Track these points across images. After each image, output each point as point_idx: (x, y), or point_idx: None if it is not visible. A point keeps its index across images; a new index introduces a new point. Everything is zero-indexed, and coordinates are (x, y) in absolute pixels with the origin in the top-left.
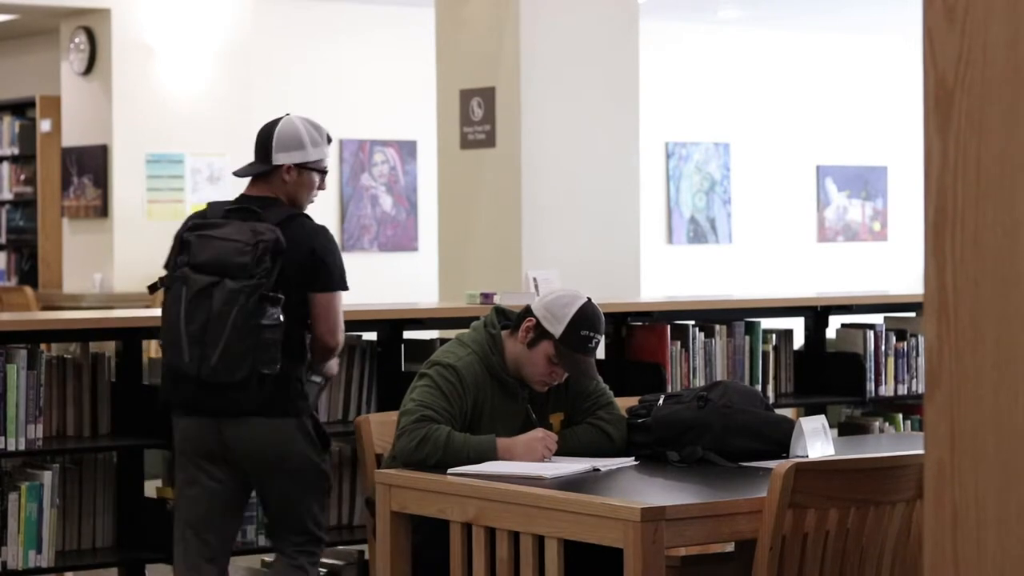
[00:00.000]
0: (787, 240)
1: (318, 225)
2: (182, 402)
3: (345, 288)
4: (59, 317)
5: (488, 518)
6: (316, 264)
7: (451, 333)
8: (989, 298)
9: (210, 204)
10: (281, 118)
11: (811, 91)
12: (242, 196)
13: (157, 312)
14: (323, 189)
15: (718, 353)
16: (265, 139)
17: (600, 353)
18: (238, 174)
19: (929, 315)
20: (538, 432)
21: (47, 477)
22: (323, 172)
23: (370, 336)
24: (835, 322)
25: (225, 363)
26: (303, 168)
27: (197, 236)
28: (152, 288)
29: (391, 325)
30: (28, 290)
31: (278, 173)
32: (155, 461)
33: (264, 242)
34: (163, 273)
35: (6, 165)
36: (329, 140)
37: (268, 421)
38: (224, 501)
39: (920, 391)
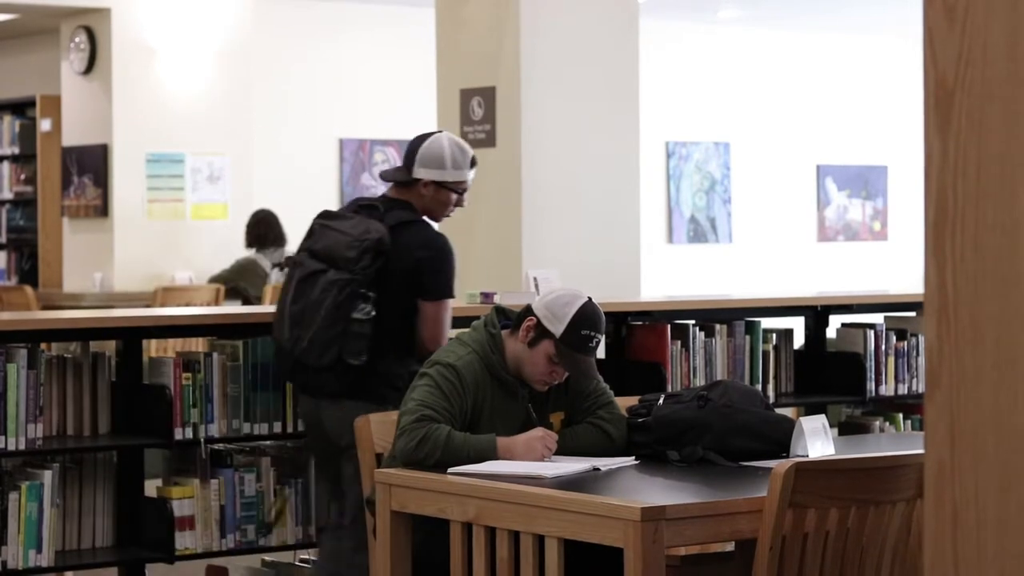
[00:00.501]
0: (787, 240)
1: (433, 234)
2: (285, 375)
3: (448, 296)
4: (59, 317)
5: (488, 518)
6: (420, 271)
7: (451, 333)
8: (989, 298)
9: (354, 199)
10: (434, 133)
11: (811, 91)
12: (382, 195)
13: (157, 312)
14: (461, 206)
15: (718, 353)
16: (411, 151)
17: (600, 353)
18: (383, 176)
19: (929, 315)
20: (537, 431)
21: (47, 477)
22: (460, 192)
23: None
24: (835, 322)
25: (314, 347)
26: (441, 186)
27: (320, 225)
28: (280, 267)
29: None
30: (28, 289)
31: (417, 186)
32: (155, 461)
33: (369, 240)
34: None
35: (6, 165)
36: (474, 163)
37: (357, 404)
38: (333, 475)
39: (920, 391)
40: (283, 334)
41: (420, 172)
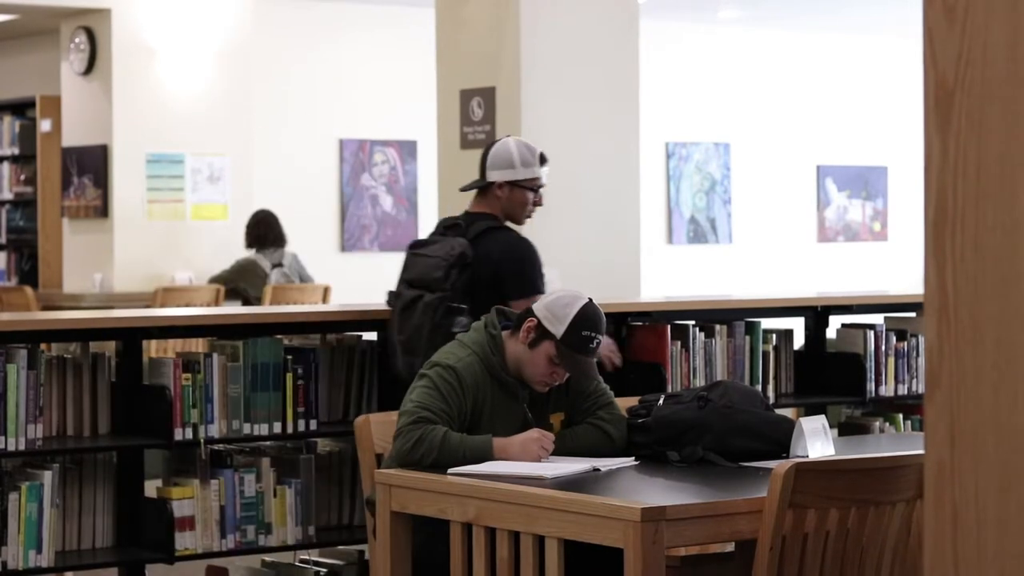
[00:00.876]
0: (787, 240)
1: (512, 237)
2: None
3: (535, 292)
4: (59, 317)
5: (488, 518)
6: (502, 274)
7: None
8: (989, 298)
9: (440, 221)
10: (501, 139)
11: (811, 91)
12: (465, 212)
13: (157, 312)
14: (539, 205)
15: (718, 353)
16: (483, 158)
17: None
18: (463, 189)
19: (929, 315)
20: (533, 432)
21: (47, 477)
22: (534, 190)
23: (370, 336)
24: (835, 322)
25: None
26: (515, 185)
27: (411, 254)
28: (388, 303)
29: None
30: (28, 290)
31: (492, 190)
32: (155, 461)
33: (452, 256)
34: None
35: (6, 165)
36: (543, 160)
37: None
38: None
39: (920, 391)
40: (398, 364)
41: (493, 175)
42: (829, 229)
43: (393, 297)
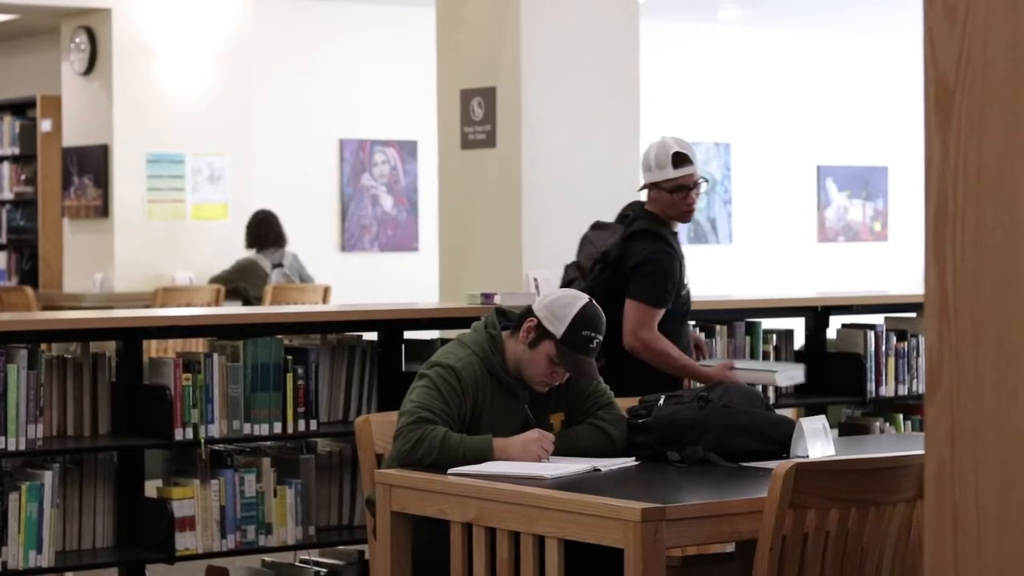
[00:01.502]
0: (787, 240)
1: (653, 247)
2: None
3: (644, 300)
4: (59, 317)
5: (489, 518)
6: (631, 276)
7: (451, 333)
8: (989, 298)
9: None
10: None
11: (811, 91)
12: (642, 201)
13: (157, 312)
14: (692, 201)
15: (718, 353)
16: None
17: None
18: (640, 190)
19: (929, 315)
20: (533, 433)
21: (47, 477)
22: (674, 191)
23: (370, 336)
24: (835, 322)
25: None
26: (655, 187)
27: (584, 236)
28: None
29: (391, 325)
30: (28, 290)
31: (648, 190)
32: (155, 461)
33: (598, 253)
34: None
35: (7, 165)
36: (679, 159)
37: None
38: None
39: (920, 391)
40: None
41: (642, 177)
42: (829, 229)
43: (564, 270)
